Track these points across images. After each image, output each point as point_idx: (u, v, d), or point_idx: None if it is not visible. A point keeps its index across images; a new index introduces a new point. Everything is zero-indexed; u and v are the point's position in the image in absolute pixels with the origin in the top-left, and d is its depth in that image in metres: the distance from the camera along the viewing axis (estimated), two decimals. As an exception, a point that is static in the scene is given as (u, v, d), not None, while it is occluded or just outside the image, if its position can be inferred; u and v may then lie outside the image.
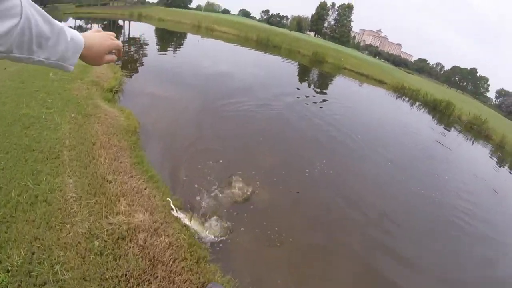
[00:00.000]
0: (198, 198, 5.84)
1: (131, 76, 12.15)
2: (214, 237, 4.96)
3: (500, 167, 16.60)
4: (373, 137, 12.69)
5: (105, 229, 4.04)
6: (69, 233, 3.85)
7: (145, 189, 5.09)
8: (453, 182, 10.64)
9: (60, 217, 4.07)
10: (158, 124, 8.57)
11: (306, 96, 16.28)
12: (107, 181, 4.94)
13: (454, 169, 12.20)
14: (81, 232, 3.92)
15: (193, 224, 4.86)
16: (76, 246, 3.70)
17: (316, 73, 28.50)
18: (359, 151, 10.86)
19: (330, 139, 11.13)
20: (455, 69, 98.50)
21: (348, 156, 10.28)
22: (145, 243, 4.04)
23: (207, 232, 4.94)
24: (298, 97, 15.54)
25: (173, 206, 4.92)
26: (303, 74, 25.58)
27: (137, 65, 15.00)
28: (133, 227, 4.18)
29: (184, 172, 6.61)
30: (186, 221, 4.81)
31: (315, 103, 15.56)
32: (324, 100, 17.12)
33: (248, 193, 6.36)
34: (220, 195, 6.05)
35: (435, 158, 13.01)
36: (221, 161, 7.39)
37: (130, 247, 3.92)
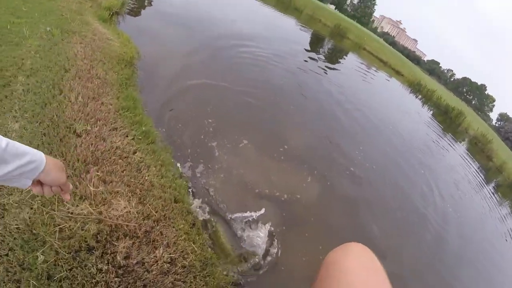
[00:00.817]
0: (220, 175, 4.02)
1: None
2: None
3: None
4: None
5: (56, 227, 2.22)
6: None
7: (135, 153, 3.20)
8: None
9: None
10: (165, 60, 6.33)
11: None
12: (74, 133, 3.02)
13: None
14: (15, 228, 2.11)
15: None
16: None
17: (337, 47, 24.92)
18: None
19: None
20: (466, 80, 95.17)
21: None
22: (127, 261, 2.25)
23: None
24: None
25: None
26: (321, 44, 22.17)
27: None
28: (108, 228, 2.35)
29: (199, 131, 4.67)
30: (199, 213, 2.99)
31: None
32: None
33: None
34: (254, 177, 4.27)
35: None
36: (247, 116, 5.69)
37: (99, 272, 2.13)
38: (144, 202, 2.67)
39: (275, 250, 3.49)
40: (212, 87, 6.28)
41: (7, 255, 1.98)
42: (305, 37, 19.61)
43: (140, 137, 3.44)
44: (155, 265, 2.30)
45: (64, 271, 2.03)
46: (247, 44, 10.28)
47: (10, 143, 0.82)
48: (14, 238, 2.07)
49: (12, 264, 1.95)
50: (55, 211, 2.28)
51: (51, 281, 1.97)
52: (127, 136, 3.31)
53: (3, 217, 2.15)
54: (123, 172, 2.82)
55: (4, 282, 1.86)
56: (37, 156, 0.90)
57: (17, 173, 0.85)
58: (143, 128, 3.56)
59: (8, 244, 2.02)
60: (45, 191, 0.99)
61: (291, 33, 18.54)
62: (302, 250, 3.75)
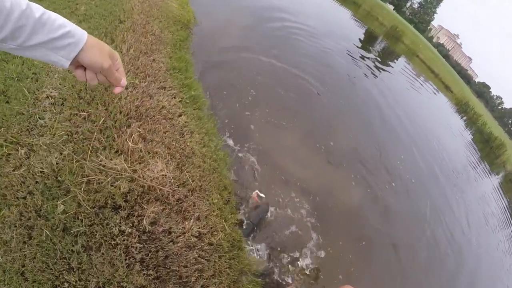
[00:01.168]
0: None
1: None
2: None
3: None
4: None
5: (84, 178, 2.02)
6: (18, 168, 1.94)
7: (180, 116, 2.97)
8: None
9: (15, 129, 2.08)
10: (221, 29, 6.17)
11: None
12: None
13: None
14: (39, 171, 1.93)
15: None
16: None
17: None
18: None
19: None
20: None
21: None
22: (153, 227, 2.03)
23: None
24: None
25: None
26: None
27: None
28: (140, 189, 2.13)
29: (242, 104, 4.44)
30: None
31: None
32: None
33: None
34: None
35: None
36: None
37: (120, 234, 1.92)
38: (182, 168, 2.47)
39: (305, 249, 3.23)
40: (261, 60, 6.11)
41: (24, 198, 1.82)
42: (359, 31, 18.92)
43: (187, 101, 3.23)
44: (182, 237, 2.11)
45: (83, 226, 1.86)
46: (300, 22, 10.24)
47: (47, 13, 0.73)
48: (36, 182, 1.90)
49: (28, 208, 1.79)
50: (86, 160, 2.10)
51: (66, 234, 1.81)
52: (174, 98, 3.11)
53: (28, 157, 1.99)
54: (165, 133, 2.62)
55: (15, 226, 1.70)
56: (78, 32, 0.75)
57: (50, 46, 0.73)
58: (192, 92, 3.36)
59: (28, 187, 1.87)
60: (88, 76, 0.83)
61: (346, 25, 18.11)
62: (332, 253, 3.45)
